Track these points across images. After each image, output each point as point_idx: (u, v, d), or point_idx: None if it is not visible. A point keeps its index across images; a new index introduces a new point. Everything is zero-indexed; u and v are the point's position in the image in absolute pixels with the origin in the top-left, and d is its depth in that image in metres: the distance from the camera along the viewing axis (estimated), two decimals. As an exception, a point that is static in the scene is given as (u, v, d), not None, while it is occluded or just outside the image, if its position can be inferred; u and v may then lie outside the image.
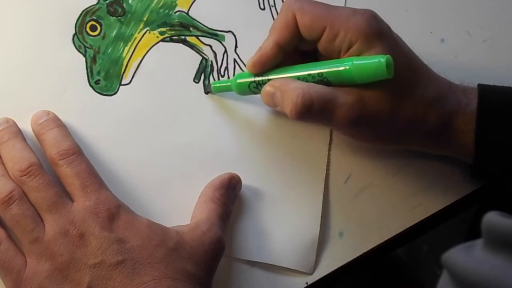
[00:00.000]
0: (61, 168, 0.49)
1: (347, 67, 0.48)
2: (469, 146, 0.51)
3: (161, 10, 0.57)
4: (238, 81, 0.54)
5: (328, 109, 0.49)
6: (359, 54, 0.49)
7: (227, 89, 0.55)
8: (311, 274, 0.54)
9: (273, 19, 0.57)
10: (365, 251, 0.55)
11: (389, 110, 0.49)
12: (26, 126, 0.52)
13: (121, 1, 0.57)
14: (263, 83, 0.52)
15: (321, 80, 0.50)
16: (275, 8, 0.58)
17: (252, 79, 0.53)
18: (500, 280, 0.33)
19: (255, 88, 0.53)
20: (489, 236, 0.36)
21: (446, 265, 0.37)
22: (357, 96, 0.49)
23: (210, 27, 0.58)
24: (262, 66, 0.52)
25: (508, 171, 0.51)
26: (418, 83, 0.50)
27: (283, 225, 0.54)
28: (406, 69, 0.50)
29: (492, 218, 0.35)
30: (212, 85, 0.56)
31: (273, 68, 0.52)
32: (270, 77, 0.52)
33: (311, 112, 0.49)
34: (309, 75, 0.50)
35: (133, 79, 0.56)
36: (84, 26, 0.56)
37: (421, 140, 0.52)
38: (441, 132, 0.51)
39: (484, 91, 0.51)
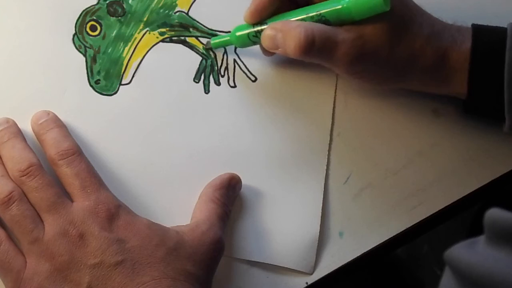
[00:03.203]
0: (61, 168, 0.49)
1: (345, 5, 0.50)
2: (463, 84, 0.52)
3: (161, 11, 0.57)
4: (238, 33, 0.55)
5: (330, 46, 0.50)
6: None
7: (226, 43, 0.56)
8: (311, 274, 0.54)
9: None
10: (365, 251, 0.55)
11: (387, 46, 0.51)
12: (26, 126, 0.52)
13: (121, 1, 0.57)
14: (262, 31, 0.53)
15: (320, 20, 0.51)
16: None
17: (251, 29, 0.54)
18: (504, 274, 0.33)
19: (255, 37, 0.54)
20: (492, 231, 0.36)
21: (449, 262, 0.38)
22: (357, 33, 0.51)
23: (210, 27, 0.58)
24: (260, 15, 0.53)
25: (499, 108, 0.52)
26: (413, 20, 0.52)
27: (283, 225, 0.54)
28: (401, 7, 0.52)
29: (495, 213, 0.36)
30: (211, 42, 0.56)
31: (270, 16, 0.53)
32: (269, 24, 0.53)
33: (314, 48, 0.50)
34: (308, 16, 0.52)
35: (133, 79, 0.56)
36: (84, 26, 0.56)
37: (419, 77, 0.53)
38: (438, 68, 0.52)
39: (478, 30, 0.53)
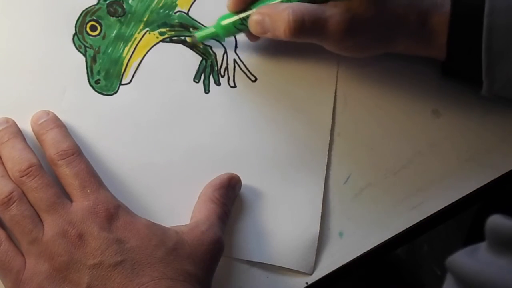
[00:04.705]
0: (60, 168, 0.49)
1: None
2: (444, 47, 0.53)
3: (161, 11, 0.57)
4: (223, 23, 0.54)
5: (320, 23, 0.51)
6: None
7: (212, 35, 0.56)
8: (311, 274, 0.54)
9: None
10: (365, 251, 0.55)
11: (374, 14, 0.51)
12: (26, 126, 0.52)
13: (121, 1, 0.57)
14: (247, 17, 0.53)
15: None
16: (275, 8, 0.58)
17: (236, 17, 0.54)
18: (506, 282, 0.33)
19: (241, 25, 0.54)
20: (493, 238, 0.36)
21: (450, 269, 0.37)
22: (344, 6, 0.51)
23: (210, 27, 0.58)
24: (244, 2, 0.53)
25: (477, 71, 0.53)
26: None
27: (283, 225, 0.54)
28: None
29: (496, 220, 0.36)
30: (196, 36, 0.56)
31: (252, 2, 0.53)
32: (254, 10, 0.53)
33: (304, 27, 0.50)
34: None
35: (133, 79, 0.56)
36: (84, 26, 0.56)
37: (404, 40, 0.54)
38: (420, 31, 0.53)
39: None
